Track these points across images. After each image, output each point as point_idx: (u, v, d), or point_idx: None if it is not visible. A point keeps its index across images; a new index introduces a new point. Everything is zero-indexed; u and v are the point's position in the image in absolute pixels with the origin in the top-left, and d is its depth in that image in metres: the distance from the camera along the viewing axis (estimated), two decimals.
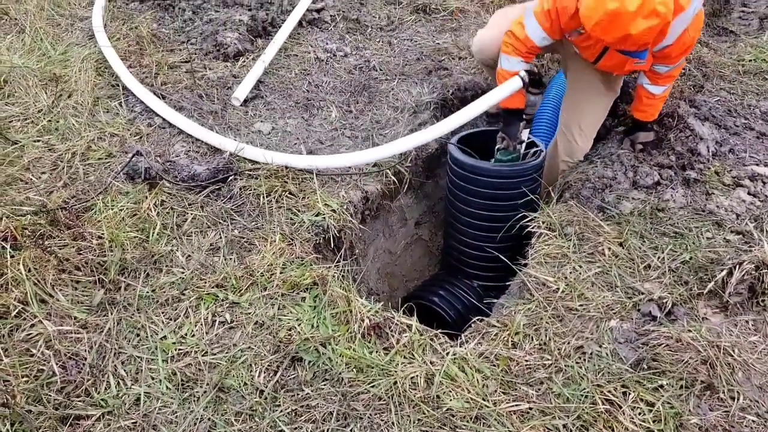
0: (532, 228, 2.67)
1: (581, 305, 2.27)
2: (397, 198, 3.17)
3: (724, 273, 2.29)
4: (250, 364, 2.05)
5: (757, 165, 2.90)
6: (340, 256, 2.55)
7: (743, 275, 2.26)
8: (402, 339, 2.14)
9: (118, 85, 3.37)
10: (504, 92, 2.82)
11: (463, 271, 3.21)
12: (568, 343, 2.12)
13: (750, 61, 3.78)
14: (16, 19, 3.88)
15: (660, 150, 3.02)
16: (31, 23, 3.81)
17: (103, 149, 2.93)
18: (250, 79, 3.42)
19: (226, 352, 2.09)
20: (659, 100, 2.95)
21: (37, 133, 3.00)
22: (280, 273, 2.34)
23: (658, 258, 2.45)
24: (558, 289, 2.34)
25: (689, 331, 2.11)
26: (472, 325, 2.30)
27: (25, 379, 1.94)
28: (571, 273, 2.42)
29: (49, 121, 3.09)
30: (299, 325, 2.17)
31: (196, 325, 2.17)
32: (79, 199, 2.62)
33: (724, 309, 2.25)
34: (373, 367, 2.03)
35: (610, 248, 2.51)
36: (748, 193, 2.76)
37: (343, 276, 2.40)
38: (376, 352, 2.09)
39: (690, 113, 3.15)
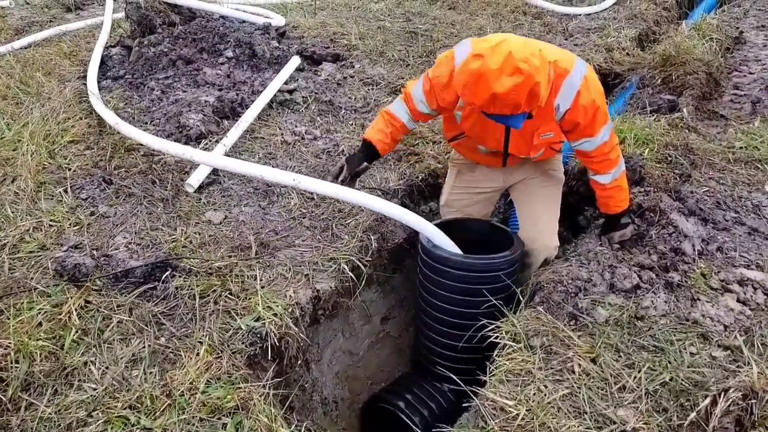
0: (495, 338, 2.40)
1: None
2: (356, 294, 2.92)
3: (707, 401, 2.00)
4: None
5: (748, 267, 2.64)
6: (272, 372, 2.26)
7: (729, 405, 1.97)
8: None
9: (68, 168, 3.21)
10: (440, 240, 2.69)
11: (432, 372, 2.92)
12: None
13: (741, 148, 3.57)
14: None
15: (641, 248, 2.78)
16: None
17: (37, 241, 2.73)
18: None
19: None
20: (612, 189, 2.66)
21: None
22: (202, 393, 2.07)
23: (634, 378, 2.16)
24: (518, 415, 2.05)
25: None
26: None
27: None
28: (534, 394, 2.13)
29: None
30: None
31: None
32: None
33: None
34: None
35: (580, 364, 2.23)
36: (737, 300, 2.49)
37: (274, 395, 2.13)
38: None
39: (674, 207, 2.92)
